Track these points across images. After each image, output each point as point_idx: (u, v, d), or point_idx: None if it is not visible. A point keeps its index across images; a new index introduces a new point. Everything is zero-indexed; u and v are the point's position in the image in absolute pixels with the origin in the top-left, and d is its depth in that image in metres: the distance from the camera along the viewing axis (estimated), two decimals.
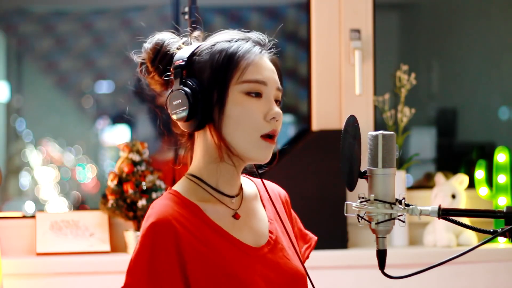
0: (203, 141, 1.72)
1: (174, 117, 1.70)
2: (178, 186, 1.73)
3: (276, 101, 1.72)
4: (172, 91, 1.70)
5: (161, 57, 1.75)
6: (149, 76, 1.78)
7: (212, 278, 1.63)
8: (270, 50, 1.75)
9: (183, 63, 1.70)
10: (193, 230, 1.65)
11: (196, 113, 1.68)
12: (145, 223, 1.65)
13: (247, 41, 1.72)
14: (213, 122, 1.68)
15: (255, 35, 1.76)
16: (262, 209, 1.80)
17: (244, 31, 1.76)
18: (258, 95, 1.69)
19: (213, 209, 1.71)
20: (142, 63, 1.78)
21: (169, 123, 1.77)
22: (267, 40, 1.76)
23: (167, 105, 1.72)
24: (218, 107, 1.67)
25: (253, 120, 1.68)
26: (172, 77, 1.72)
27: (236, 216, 1.73)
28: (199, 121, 1.68)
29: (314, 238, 1.92)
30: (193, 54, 1.71)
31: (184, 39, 1.79)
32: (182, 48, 1.75)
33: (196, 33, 1.81)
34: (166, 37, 1.77)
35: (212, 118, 1.68)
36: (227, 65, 1.68)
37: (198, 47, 1.72)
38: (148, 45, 1.77)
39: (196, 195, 1.71)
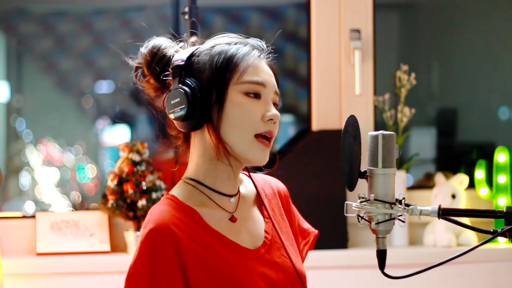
0: (200, 141, 1.72)
1: (171, 116, 1.70)
2: (175, 191, 1.73)
3: (273, 104, 1.72)
4: (170, 90, 1.70)
5: (157, 60, 1.75)
6: (144, 80, 1.78)
7: (214, 282, 1.63)
8: (268, 56, 1.76)
9: (182, 63, 1.70)
10: (192, 235, 1.65)
11: (194, 112, 1.67)
12: (144, 230, 1.64)
13: (245, 45, 1.73)
14: (211, 121, 1.68)
15: (253, 41, 1.76)
16: (257, 209, 1.80)
17: (243, 36, 1.77)
18: (257, 96, 1.69)
19: (210, 213, 1.70)
20: (137, 67, 1.78)
21: (164, 126, 1.77)
22: (265, 46, 1.76)
23: (164, 104, 1.72)
24: (217, 106, 1.67)
25: (251, 120, 1.68)
26: (170, 77, 1.72)
27: (232, 219, 1.73)
28: (197, 121, 1.68)
29: (314, 232, 1.91)
30: (192, 55, 1.71)
31: (181, 44, 1.79)
32: (179, 51, 1.76)
33: (193, 38, 1.81)
34: (163, 42, 1.77)
35: (210, 117, 1.68)
36: (226, 65, 1.68)
37: (197, 49, 1.73)
38: (144, 50, 1.77)
39: (194, 199, 1.71)
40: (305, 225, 1.92)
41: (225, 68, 1.68)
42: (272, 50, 1.77)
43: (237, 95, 1.68)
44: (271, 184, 1.86)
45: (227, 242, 1.69)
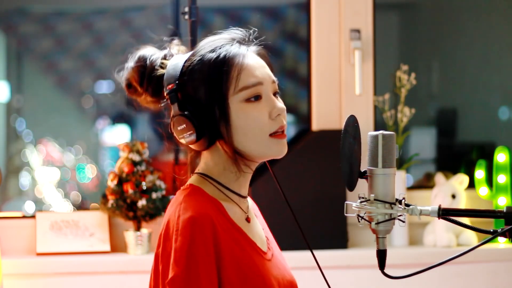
0: (215, 152, 1.71)
1: (182, 141, 1.69)
2: (198, 183, 1.72)
3: (274, 93, 1.71)
4: (173, 116, 1.69)
5: (148, 79, 1.74)
6: (140, 98, 1.78)
7: (243, 276, 1.63)
8: (255, 42, 1.74)
9: (175, 87, 1.69)
10: (224, 227, 1.65)
11: (204, 134, 1.67)
12: (183, 216, 1.62)
13: (231, 45, 1.70)
14: (222, 137, 1.68)
15: (235, 32, 1.74)
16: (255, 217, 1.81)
17: (224, 31, 1.74)
18: (257, 98, 1.69)
19: (232, 209, 1.71)
20: (128, 84, 1.78)
21: (172, 136, 1.76)
22: (248, 34, 1.74)
23: (171, 130, 1.71)
24: (224, 122, 1.67)
25: (260, 123, 1.67)
26: (169, 102, 1.71)
27: (247, 219, 1.73)
28: (209, 140, 1.68)
29: None
30: (182, 74, 1.69)
31: (165, 51, 1.77)
32: (165, 64, 1.74)
33: (175, 41, 1.80)
34: (146, 53, 1.76)
35: (220, 133, 1.68)
36: (219, 78, 1.67)
37: (184, 64, 1.70)
38: (130, 64, 1.76)
39: (215, 194, 1.71)
40: None
41: (219, 81, 1.66)
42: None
43: (238, 105, 1.67)
44: (253, 202, 1.87)
45: (248, 240, 1.69)
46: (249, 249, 1.67)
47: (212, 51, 1.69)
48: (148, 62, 1.75)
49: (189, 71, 1.69)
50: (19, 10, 4.57)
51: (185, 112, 1.67)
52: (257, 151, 1.68)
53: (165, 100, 1.73)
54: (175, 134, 1.71)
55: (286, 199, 1.80)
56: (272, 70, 1.73)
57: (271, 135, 1.68)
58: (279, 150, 1.70)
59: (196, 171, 1.74)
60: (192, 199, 1.66)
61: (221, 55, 1.68)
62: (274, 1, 4.54)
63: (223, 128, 1.67)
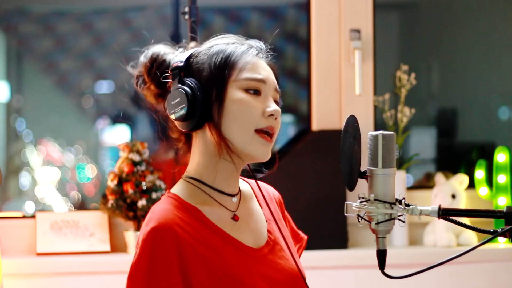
0: (201, 140, 1.72)
1: (172, 116, 1.70)
2: (176, 189, 1.73)
3: (274, 101, 1.72)
4: (170, 91, 1.71)
5: (157, 66, 1.75)
6: (145, 87, 1.78)
7: (215, 281, 1.63)
8: (267, 56, 1.76)
9: (181, 64, 1.71)
10: (195, 234, 1.65)
11: (195, 111, 1.67)
12: (146, 228, 1.64)
13: (243, 44, 1.73)
14: (212, 120, 1.68)
15: (252, 41, 1.76)
16: (259, 209, 1.80)
17: (242, 37, 1.77)
18: (256, 92, 1.69)
19: (212, 211, 1.70)
20: (138, 76, 1.79)
21: (166, 129, 1.77)
22: (264, 46, 1.76)
23: (165, 106, 1.72)
24: (217, 104, 1.67)
25: (251, 115, 1.67)
26: (170, 79, 1.72)
27: (235, 218, 1.72)
28: (198, 119, 1.68)
29: (304, 237, 1.92)
30: (190, 56, 1.72)
31: (180, 49, 1.79)
32: (178, 55, 1.76)
33: (193, 43, 1.81)
34: (161, 48, 1.78)
35: (211, 116, 1.68)
36: (225, 63, 1.69)
37: (195, 50, 1.73)
38: (143, 59, 1.77)
39: (195, 197, 1.71)
40: (297, 230, 1.92)
41: (224, 66, 1.69)
42: (272, 51, 1.77)
43: (236, 92, 1.68)
44: (267, 189, 1.87)
45: (230, 240, 1.68)
46: (228, 251, 1.67)
47: (225, 44, 1.73)
48: (161, 53, 1.76)
49: (197, 54, 1.72)
50: (19, 10, 4.57)
51: (183, 86, 1.68)
52: (241, 143, 1.68)
53: (167, 77, 1.73)
54: (167, 111, 1.71)
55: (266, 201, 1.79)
56: (278, 84, 1.74)
57: (256, 131, 1.68)
58: (262, 151, 1.69)
59: (184, 174, 1.75)
60: (159, 210, 1.67)
61: (232, 47, 1.71)
62: (274, 1, 4.54)
63: (215, 110, 1.67)
